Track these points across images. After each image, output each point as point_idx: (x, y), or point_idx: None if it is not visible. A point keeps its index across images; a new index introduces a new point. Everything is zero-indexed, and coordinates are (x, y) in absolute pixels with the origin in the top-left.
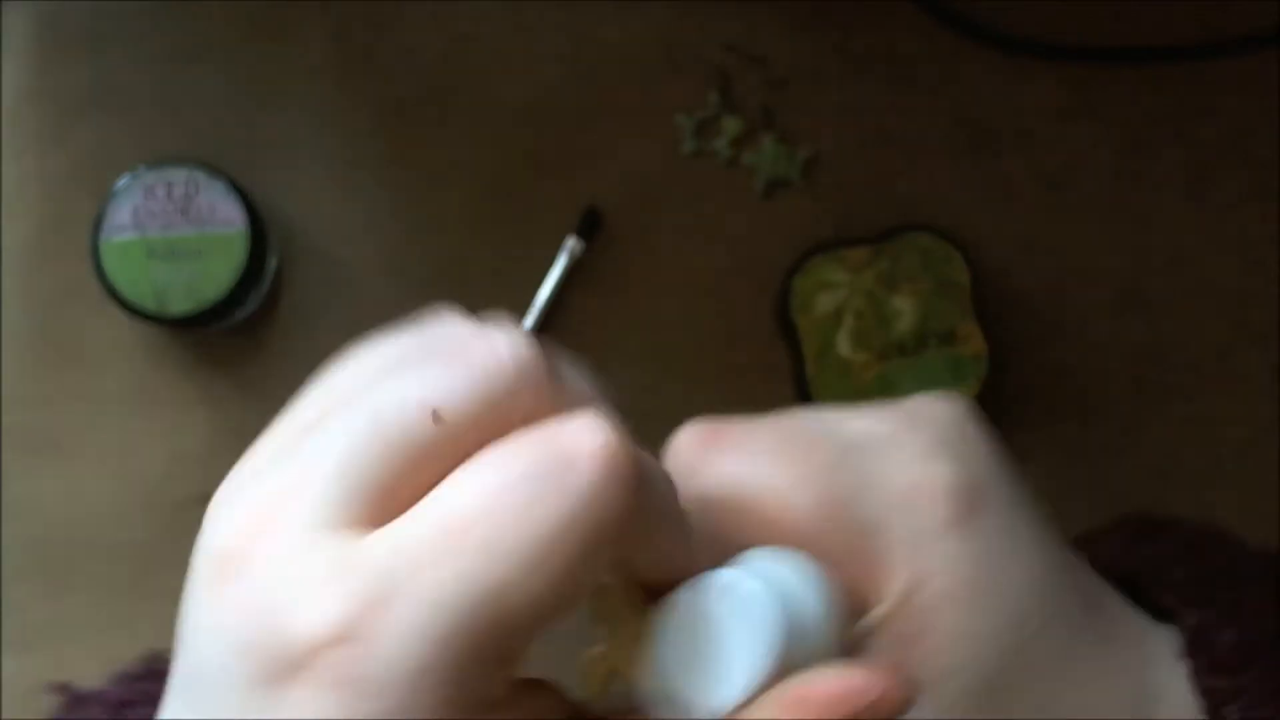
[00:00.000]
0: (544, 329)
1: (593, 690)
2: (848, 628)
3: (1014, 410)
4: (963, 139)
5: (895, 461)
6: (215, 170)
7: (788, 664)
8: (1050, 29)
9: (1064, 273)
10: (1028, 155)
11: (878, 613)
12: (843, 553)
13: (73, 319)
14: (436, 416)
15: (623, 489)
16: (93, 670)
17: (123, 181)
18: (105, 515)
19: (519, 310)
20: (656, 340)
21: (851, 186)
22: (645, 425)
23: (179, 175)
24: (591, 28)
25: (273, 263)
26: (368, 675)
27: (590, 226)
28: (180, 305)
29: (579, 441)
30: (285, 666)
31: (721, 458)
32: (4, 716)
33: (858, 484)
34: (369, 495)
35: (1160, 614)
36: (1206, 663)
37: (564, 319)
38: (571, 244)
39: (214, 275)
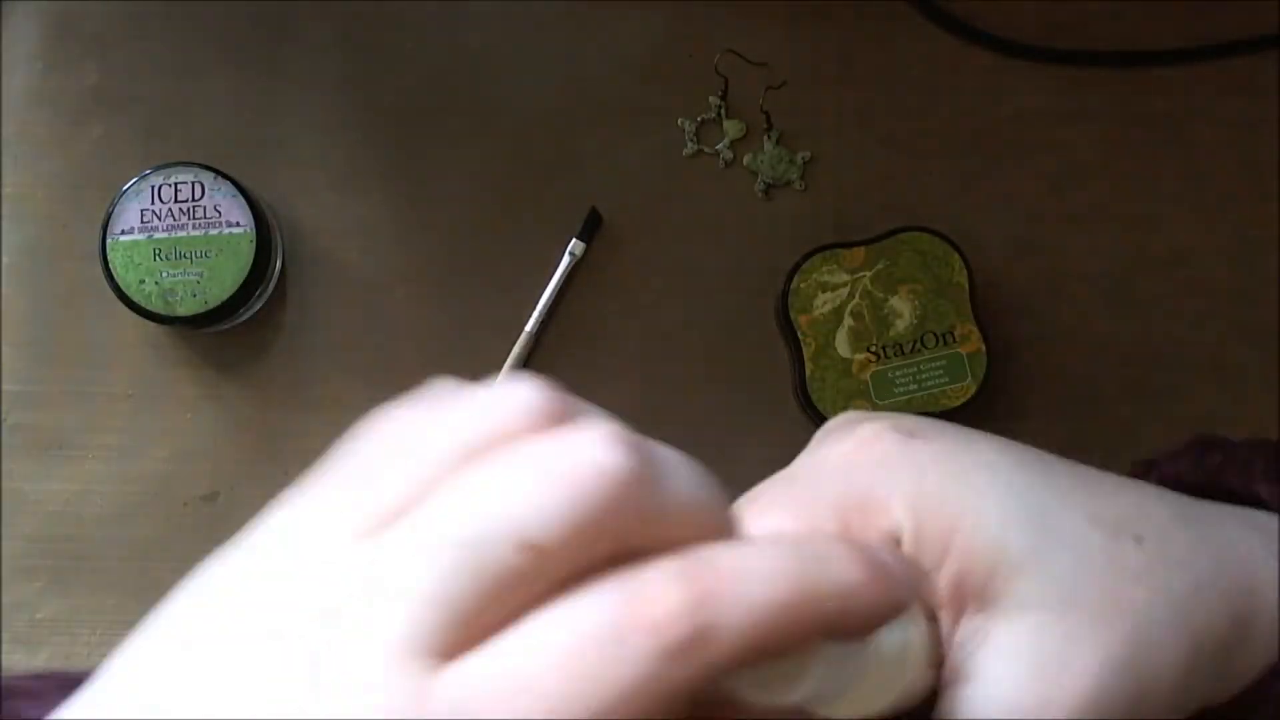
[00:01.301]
0: (545, 329)
1: None
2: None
3: (1012, 410)
4: (961, 141)
5: (826, 451)
6: (221, 172)
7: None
8: (1048, 33)
9: (1062, 273)
10: (1025, 157)
11: (906, 549)
12: (843, 533)
13: (80, 319)
14: (532, 549)
15: (688, 654)
16: (95, 668)
17: (130, 183)
18: (111, 513)
19: (521, 310)
20: (657, 340)
21: (850, 188)
22: (646, 425)
23: (186, 177)
24: (593, 31)
25: (278, 264)
26: None
27: (591, 228)
28: (186, 305)
29: (648, 607)
30: None
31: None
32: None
33: (809, 482)
34: (456, 626)
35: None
36: None
37: (566, 319)
38: (573, 245)
39: (220, 276)
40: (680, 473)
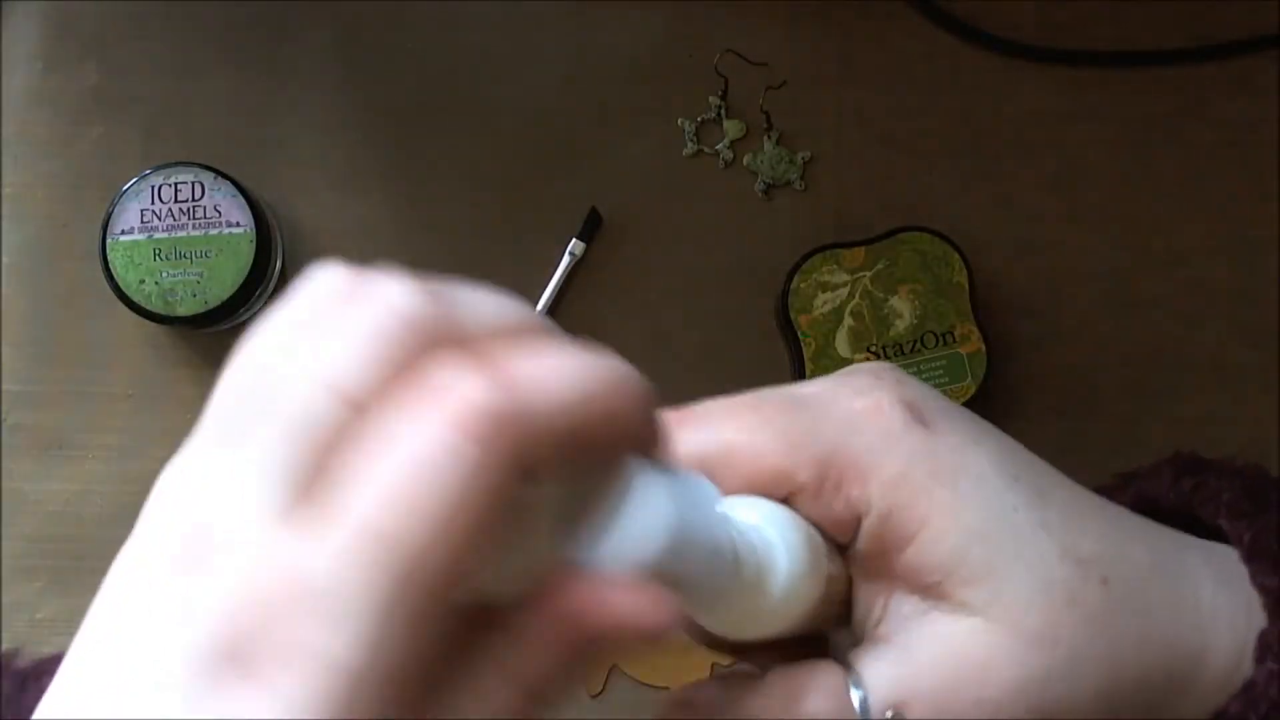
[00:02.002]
0: None
1: (595, 686)
2: (827, 559)
3: (1012, 410)
4: (961, 141)
5: (841, 398)
6: (221, 172)
7: (761, 583)
8: (1048, 32)
9: (1062, 273)
10: (1026, 157)
11: (868, 524)
12: (815, 483)
13: (80, 319)
14: (346, 399)
15: (516, 449)
16: None
17: (130, 183)
18: (110, 513)
19: None
20: (657, 340)
21: (850, 188)
22: None
23: (186, 177)
24: (594, 31)
25: (278, 264)
26: (330, 659)
27: (592, 228)
28: (186, 306)
29: (466, 414)
30: (258, 657)
31: (685, 432)
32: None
33: (812, 420)
34: (301, 485)
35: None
36: (1266, 566)
37: (566, 319)
38: (573, 245)
39: (220, 276)
40: (478, 299)
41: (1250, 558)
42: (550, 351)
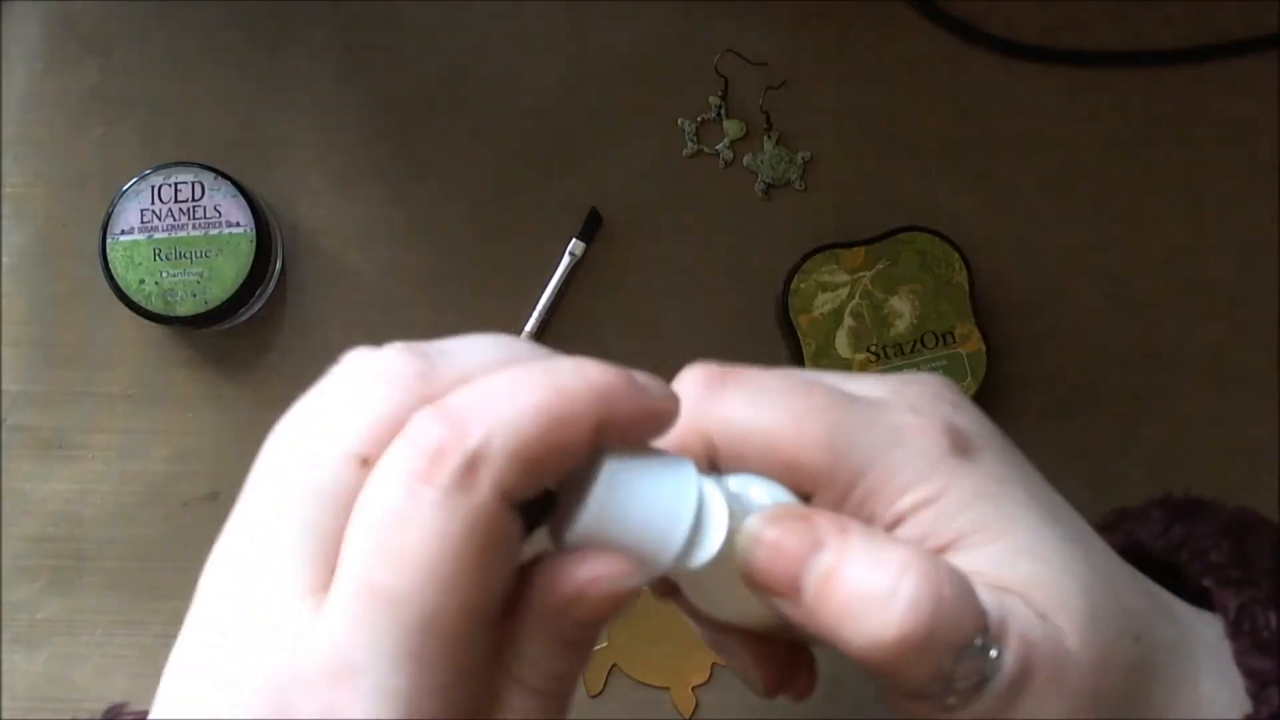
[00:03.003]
0: (545, 329)
1: (595, 686)
2: None
3: (1012, 410)
4: (961, 141)
5: (892, 409)
6: (221, 172)
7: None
8: (1048, 33)
9: (1062, 273)
10: (1026, 157)
11: (904, 531)
12: (845, 486)
13: (80, 319)
14: (364, 461)
15: (470, 479)
16: (95, 668)
17: (130, 183)
18: (110, 513)
19: (521, 310)
20: (657, 340)
21: (850, 188)
22: None
23: (186, 177)
24: (593, 31)
25: (278, 264)
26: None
27: (591, 228)
28: (186, 306)
29: (415, 455)
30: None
31: (728, 397)
32: (7, 713)
33: (859, 424)
34: (322, 554)
35: (1199, 596)
36: (1249, 644)
37: (565, 319)
38: (573, 245)
39: (220, 276)
40: (460, 348)
41: (1235, 633)
42: (495, 377)
